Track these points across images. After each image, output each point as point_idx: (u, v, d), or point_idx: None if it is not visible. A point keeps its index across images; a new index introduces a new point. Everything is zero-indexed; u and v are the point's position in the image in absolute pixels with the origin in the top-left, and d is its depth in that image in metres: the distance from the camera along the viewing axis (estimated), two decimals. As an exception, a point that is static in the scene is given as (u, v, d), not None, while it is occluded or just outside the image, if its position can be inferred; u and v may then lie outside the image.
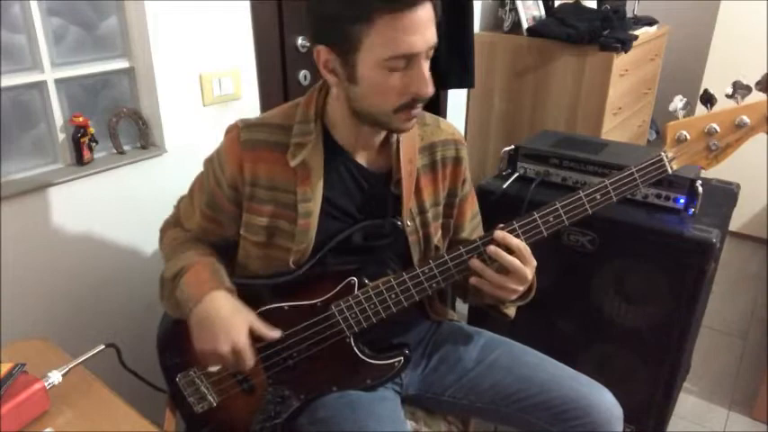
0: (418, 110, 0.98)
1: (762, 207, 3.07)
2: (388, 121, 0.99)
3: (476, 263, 1.02)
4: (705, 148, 1.00)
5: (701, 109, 1.02)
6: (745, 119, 0.97)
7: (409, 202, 1.11)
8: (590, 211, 1.02)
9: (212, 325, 1.01)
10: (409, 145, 1.10)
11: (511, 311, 1.22)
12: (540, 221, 1.01)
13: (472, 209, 1.26)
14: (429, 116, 1.17)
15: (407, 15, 0.87)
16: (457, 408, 1.23)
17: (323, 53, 0.94)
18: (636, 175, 1.00)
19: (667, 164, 1.00)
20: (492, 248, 1.00)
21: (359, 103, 0.97)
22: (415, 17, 0.88)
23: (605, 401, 1.13)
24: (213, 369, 1.08)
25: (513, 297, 1.05)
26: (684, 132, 1.00)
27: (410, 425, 1.22)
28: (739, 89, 0.97)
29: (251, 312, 1.06)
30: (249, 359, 1.03)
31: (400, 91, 0.94)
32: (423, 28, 0.89)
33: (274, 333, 1.06)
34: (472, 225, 1.26)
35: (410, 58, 0.91)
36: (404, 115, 0.97)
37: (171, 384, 1.18)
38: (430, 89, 0.94)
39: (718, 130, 0.98)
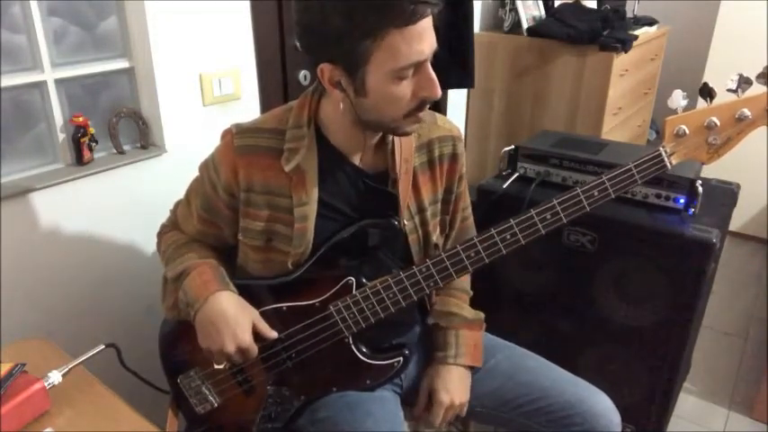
0: (424, 111, 0.99)
1: (762, 207, 3.06)
2: (397, 126, 0.99)
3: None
4: (705, 143, 0.99)
5: (701, 104, 1.01)
6: (746, 112, 0.96)
7: (406, 201, 1.11)
8: (588, 209, 1.01)
9: (219, 324, 1.02)
10: (406, 143, 1.10)
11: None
12: (537, 219, 1.01)
13: (464, 201, 1.26)
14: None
15: (414, 26, 0.87)
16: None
17: (327, 70, 0.93)
18: (634, 171, 1.00)
19: (666, 159, 0.99)
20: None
21: (368, 113, 0.97)
22: (420, 26, 0.88)
23: (604, 407, 1.14)
24: (219, 367, 1.09)
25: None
26: (683, 127, 0.99)
27: (409, 425, 1.21)
28: (740, 82, 0.96)
29: (254, 310, 1.07)
30: (254, 356, 1.05)
31: (411, 97, 0.95)
32: (427, 34, 0.90)
33: (273, 333, 1.07)
34: (463, 215, 1.26)
35: (417, 65, 0.92)
36: (412, 119, 0.99)
37: (173, 385, 1.18)
38: (439, 91, 0.95)
39: (718, 123, 0.97)
